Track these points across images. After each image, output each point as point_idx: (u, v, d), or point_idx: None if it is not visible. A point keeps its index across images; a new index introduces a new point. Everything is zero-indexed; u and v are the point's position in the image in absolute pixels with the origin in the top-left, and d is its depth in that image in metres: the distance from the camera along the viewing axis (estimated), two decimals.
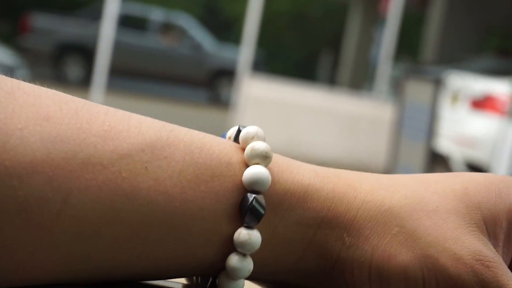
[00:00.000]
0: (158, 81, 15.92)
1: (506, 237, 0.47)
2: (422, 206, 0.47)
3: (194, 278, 0.50)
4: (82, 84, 14.04)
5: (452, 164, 7.38)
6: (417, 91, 6.80)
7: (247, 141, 0.46)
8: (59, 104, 0.42)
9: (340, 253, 0.46)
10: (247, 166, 0.45)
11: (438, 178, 0.49)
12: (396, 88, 9.91)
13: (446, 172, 0.51)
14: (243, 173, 0.45)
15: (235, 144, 0.47)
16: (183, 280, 0.50)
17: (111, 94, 12.01)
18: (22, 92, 0.42)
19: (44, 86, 0.44)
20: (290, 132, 9.57)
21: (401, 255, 0.45)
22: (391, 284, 0.45)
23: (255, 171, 0.44)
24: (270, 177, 0.45)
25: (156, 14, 16.14)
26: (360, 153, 9.64)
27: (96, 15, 14.34)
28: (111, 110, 0.45)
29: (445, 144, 7.45)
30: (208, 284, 0.47)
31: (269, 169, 0.45)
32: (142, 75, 15.76)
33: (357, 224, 0.46)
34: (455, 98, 7.54)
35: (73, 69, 15.11)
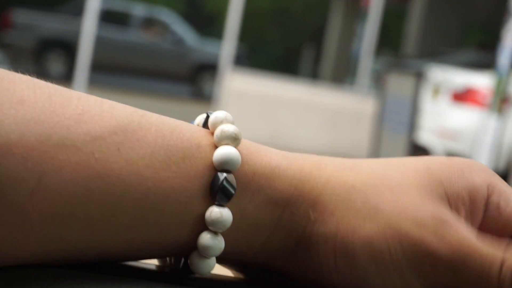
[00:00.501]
0: (140, 76, 15.87)
1: (468, 215, 0.48)
2: (384, 183, 0.48)
3: (168, 259, 0.50)
4: (64, 80, 13.97)
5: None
6: (399, 84, 6.83)
7: (216, 124, 0.47)
8: (33, 89, 0.42)
9: (305, 229, 0.47)
10: (216, 148, 0.46)
11: (401, 160, 0.50)
12: (378, 82, 9.94)
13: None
14: (213, 155, 0.45)
15: (204, 129, 0.48)
16: (156, 261, 0.50)
17: (93, 89, 11.96)
18: None
19: (18, 73, 0.44)
20: (273, 126, 9.57)
21: (365, 228, 0.46)
22: (356, 256, 0.46)
23: (225, 151, 0.45)
24: (240, 157, 0.45)
25: (138, 9, 16.09)
26: (342, 146, 9.66)
27: (77, 10, 14.28)
28: (84, 95, 0.45)
29: (426, 136, 7.48)
30: (181, 264, 0.48)
31: (238, 151, 0.46)
32: (124, 70, 15.70)
33: (322, 200, 0.47)
34: (436, 91, 7.58)
35: (55, 65, 15.04)
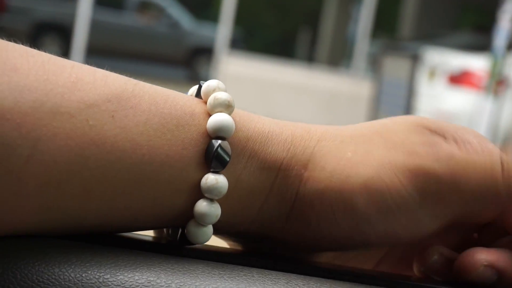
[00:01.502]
0: (135, 60, 15.83)
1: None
2: (373, 129, 0.49)
3: (165, 230, 0.50)
4: None
5: None
6: (395, 67, 6.83)
7: (209, 93, 0.47)
8: (26, 57, 0.43)
9: (298, 190, 0.47)
10: (210, 116, 0.46)
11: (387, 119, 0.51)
12: (374, 65, 9.93)
13: None
14: (207, 123, 0.46)
15: (197, 98, 0.48)
16: (152, 233, 0.50)
17: None
18: None
19: (10, 42, 0.44)
20: (269, 109, 9.57)
21: (359, 173, 0.46)
22: (354, 204, 0.46)
23: (219, 118, 0.45)
24: (233, 124, 0.46)
25: None
26: None
27: None
28: (77, 64, 0.45)
29: None
30: (178, 235, 0.48)
31: (232, 118, 0.46)
32: (119, 54, 15.66)
33: (313, 159, 0.47)
34: (432, 73, 7.57)
35: (50, 48, 14.90)
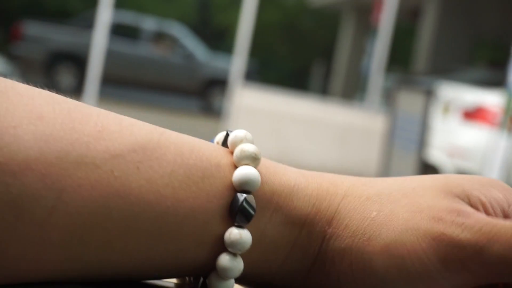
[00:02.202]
0: (150, 90, 15.90)
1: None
2: (399, 190, 0.48)
3: (187, 278, 0.50)
4: (73, 93, 14.02)
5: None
6: (409, 101, 6.81)
7: (236, 144, 0.47)
8: (52, 105, 0.43)
9: (321, 246, 0.47)
10: (236, 168, 0.46)
11: (419, 175, 0.50)
12: (388, 99, 9.93)
13: None
14: (232, 175, 0.45)
15: (223, 148, 0.48)
16: (174, 280, 0.50)
17: (103, 102, 11.98)
18: (16, 92, 0.42)
19: (37, 87, 0.44)
20: (282, 142, 9.57)
21: (381, 235, 0.45)
22: (374, 265, 0.45)
23: (245, 171, 0.45)
24: (259, 177, 0.45)
25: (149, 23, 16.13)
26: (351, 164, 9.64)
27: (88, 23, 14.33)
28: (103, 111, 0.45)
29: (436, 154, 7.46)
30: (200, 284, 0.48)
31: (258, 171, 0.46)
32: (134, 84, 15.74)
33: (338, 216, 0.47)
34: (446, 109, 7.56)
35: (65, 78, 15.09)
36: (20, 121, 0.40)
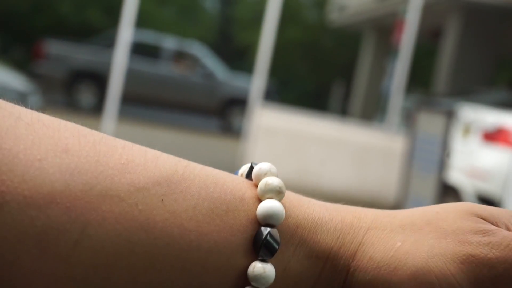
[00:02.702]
0: (170, 109, 15.95)
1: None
2: (422, 217, 0.48)
3: None
4: (94, 111, 14.09)
5: (464, 197, 7.36)
6: (429, 122, 6.79)
7: (260, 177, 0.47)
8: (78, 137, 0.43)
9: (346, 279, 0.47)
10: (260, 201, 0.46)
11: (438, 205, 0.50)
12: (408, 120, 9.90)
13: None
14: (256, 208, 0.45)
15: (248, 180, 0.48)
16: None
17: (123, 121, 12.02)
18: (42, 125, 0.42)
19: (62, 118, 0.45)
20: (301, 162, 9.55)
21: (407, 264, 0.45)
22: None
23: (270, 205, 0.45)
24: (284, 211, 0.45)
25: (169, 42, 16.20)
26: (370, 185, 9.61)
27: (109, 42, 14.42)
28: (128, 144, 0.45)
29: (456, 176, 7.42)
30: None
31: (282, 204, 0.46)
32: (154, 103, 15.79)
33: (362, 248, 0.47)
34: (467, 130, 7.53)
35: (86, 96, 15.16)
36: (45, 153, 0.40)
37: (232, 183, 0.46)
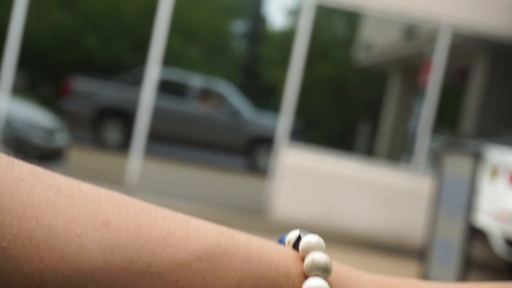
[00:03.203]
0: (196, 147, 16.01)
1: None
2: None
3: None
4: (120, 148, 14.16)
5: (491, 240, 7.29)
6: (456, 164, 6.75)
7: (308, 251, 0.46)
8: (118, 209, 0.42)
9: None
10: (306, 277, 0.45)
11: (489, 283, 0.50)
12: (435, 161, 9.85)
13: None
14: (302, 285, 0.44)
15: (294, 252, 0.46)
16: None
17: (149, 158, 12.06)
18: (82, 196, 0.42)
19: (103, 189, 0.44)
20: (326, 202, 9.52)
21: None
22: None
23: (316, 284, 0.44)
24: None
25: (196, 80, 16.29)
26: (396, 226, 9.55)
27: (136, 80, 14.52)
28: (170, 214, 0.44)
29: (484, 219, 7.36)
30: None
31: (329, 282, 0.45)
32: (180, 141, 15.85)
33: None
34: (494, 172, 7.47)
35: (112, 133, 15.25)
36: (85, 228, 0.40)
37: (277, 256, 0.45)
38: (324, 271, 0.44)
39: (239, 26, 26.11)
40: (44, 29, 20.04)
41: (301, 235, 0.47)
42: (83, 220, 0.40)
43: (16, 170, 0.42)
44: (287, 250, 0.46)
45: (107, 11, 20.12)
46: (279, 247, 0.47)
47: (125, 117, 14.97)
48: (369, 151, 19.37)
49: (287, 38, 24.52)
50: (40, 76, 22.11)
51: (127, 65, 18.95)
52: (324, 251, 0.46)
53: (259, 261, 0.44)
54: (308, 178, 9.53)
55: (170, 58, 18.06)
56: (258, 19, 25.90)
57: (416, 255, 8.85)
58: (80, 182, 0.43)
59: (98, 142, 15.04)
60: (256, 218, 9.64)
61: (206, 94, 16.22)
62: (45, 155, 9.47)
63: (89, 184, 0.44)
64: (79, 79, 15.45)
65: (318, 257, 0.45)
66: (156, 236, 0.42)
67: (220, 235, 0.45)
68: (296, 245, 0.47)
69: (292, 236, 0.48)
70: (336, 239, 9.24)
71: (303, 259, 0.46)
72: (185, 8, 20.00)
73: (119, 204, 0.43)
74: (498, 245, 7.38)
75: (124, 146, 14.29)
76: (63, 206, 0.40)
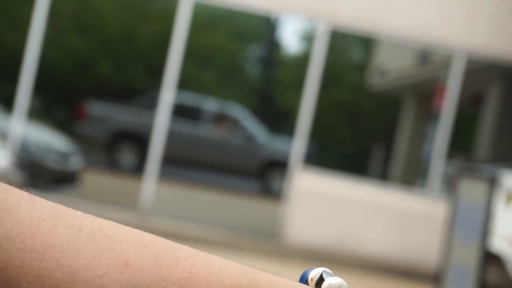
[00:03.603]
0: (210, 171, 16.02)
1: None
2: None
3: None
4: (135, 172, 14.18)
5: (506, 265, 7.25)
6: (471, 189, 6.73)
7: None
8: (139, 248, 0.42)
9: None
10: None
11: None
12: (449, 185, 9.83)
13: None
14: None
15: None
16: None
17: (163, 182, 12.06)
18: (103, 236, 0.42)
19: (125, 227, 0.44)
20: (340, 226, 9.50)
21: None
22: None
23: None
24: None
25: (210, 104, 16.33)
26: (411, 251, 9.51)
27: (151, 104, 14.56)
28: (192, 253, 0.44)
29: (499, 244, 7.33)
30: None
31: None
32: (194, 164, 15.87)
33: None
34: (509, 197, 7.45)
35: (127, 157, 15.28)
36: (106, 269, 0.40)
37: None
38: None
39: (253, 51, 26.20)
40: (60, 54, 20.17)
41: (323, 276, 0.47)
42: (104, 261, 0.40)
43: (38, 210, 0.41)
44: None
45: (122, 36, 20.25)
46: (300, 286, 0.46)
47: (139, 141, 15.00)
48: (383, 175, 19.34)
49: (301, 62, 24.57)
50: (54, 100, 22.23)
51: (141, 89, 19.03)
52: None
53: None
54: (322, 202, 9.52)
55: (184, 83, 18.13)
56: (272, 44, 25.99)
57: (431, 279, 8.81)
58: (101, 221, 0.43)
59: (112, 165, 15.06)
60: (270, 241, 9.64)
61: (220, 118, 16.26)
62: (59, 179, 9.50)
63: (110, 222, 0.44)
64: (94, 103, 15.53)
65: None
66: (177, 278, 0.41)
67: (242, 276, 0.44)
68: (318, 284, 0.47)
69: (315, 274, 0.48)
70: (350, 263, 9.22)
71: None
72: (199, 33, 20.10)
73: (140, 244, 0.42)
74: None
75: (138, 169, 14.30)
76: (84, 247, 0.40)
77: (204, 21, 20.72)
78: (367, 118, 24.63)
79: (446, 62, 10.93)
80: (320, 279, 0.46)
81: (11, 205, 0.40)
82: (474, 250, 6.32)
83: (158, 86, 10.55)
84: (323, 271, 0.46)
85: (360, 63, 24.14)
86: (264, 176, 16.00)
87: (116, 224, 0.43)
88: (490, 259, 6.92)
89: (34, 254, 0.39)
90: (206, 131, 15.78)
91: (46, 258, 0.39)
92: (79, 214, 0.43)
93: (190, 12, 10.08)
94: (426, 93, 15.71)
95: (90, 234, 0.41)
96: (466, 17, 9.85)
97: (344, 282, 0.45)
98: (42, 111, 23.44)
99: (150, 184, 9.79)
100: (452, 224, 6.93)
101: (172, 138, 13.54)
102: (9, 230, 0.39)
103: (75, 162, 9.79)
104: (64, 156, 9.58)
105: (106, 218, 0.46)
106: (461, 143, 20.61)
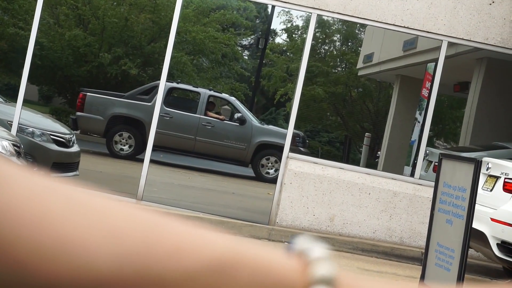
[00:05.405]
0: (203, 156, 16.14)
1: None
2: None
3: None
4: (131, 159, 14.20)
5: (489, 243, 7.44)
6: (455, 170, 6.84)
7: (314, 262, 0.45)
8: (129, 221, 0.43)
9: None
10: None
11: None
12: (435, 169, 9.95)
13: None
14: None
15: (301, 263, 0.46)
16: None
17: (159, 168, 11.92)
18: (95, 208, 0.43)
19: (116, 201, 0.45)
20: (331, 209, 9.59)
21: None
22: None
23: None
24: None
25: (204, 91, 16.47)
26: (398, 232, 9.61)
27: (146, 92, 14.56)
28: (180, 226, 0.44)
29: (482, 222, 7.51)
30: None
31: None
32: (188, 150, 15.98)
33: None
34: (491, 178, 7.62)
35: (124, 143, 15.33)
36: (97, 242, 0.41)
37: (284, 268, 0.45)
38: (329, 283, 0.44)
39: (243, 41, 26.23)
40: (61, 45, 20.30)
41: (308, 246, 0.46)
42: (95, 233, 0.41)
43: (30, 182, 0.42)
44: (294, 261, 0.46)
45: (119, 29, 20.21)
46: (286, 258, 0.46)
47: (136, 128, 15.32)
48: (371, 160, 19.39)
49: (291, 52, 24.68)
50: (54, 90, 22.55)
51: (136, 79, 19.16)
52: (331, 262, 0.45)
53: (267, 273, 0.44)
54: (312, 185, 9.55)
55: (177, 71, 18.28)
56: (263, 34, 26.00)
57: (418, 260, 8.90)
58: (94, 194, 0.43)
59: (110, 153, 15.38)
60: (263, 225, 9.76)
61: (214, 104, 16.40)
62: (60, 164, 9.65)
63: (102, 196, 0.44)
64: (93, 92, 15.74)
65: (323, 269, 0.44)
66: (165, 249, 0.41)
67: (228, 246, 0.44)
68: (303, 255, 0.46)
69: (299, 245, 0.47)
70: (339, 244, 9.28)
71: (309, 270, 0.45)
72: (192, 24, 20.12)
73: (131, 217, 0.43)
74: (495, 248, 7.52)
75: (135, 155, 14.50)
76: (76, 220, 0.41)
77: (195, 11, 20.78)
78: (355, 105, 24.66)
79: (430, 49, 11.03)
80: (304, 250, 0.47)
81: (3, 177, 0.41)
82: (458, 230, 6.42)
83: (153, 75, 10.63)
84: (307, 241, 0.47)
85: (347, 51, 24.21)
86: (257, 160, 16.20)
87: (108, 199, 0.44)
88: (474, 237, 7.08)
89: (26, 227, 0.39)
90: (199, 117, 15.97)
91: (38, 230, 0.39)
92: (72, 187, 0.43)
93: (181, 2, 10.10)
94: (413, 79, 15.78)
95: (82, 206, 0.42)
96: (449, 5, 9.89)
97: (327, 250, 0.46)
98: (42, 99, 23.72)
99: (146, 169, 9.97)
100: (436, 204, 7.03)
101: (166, 125, 13.69)
102: (1, 202, 0.40)
103: (74, 150, 9.85)
104: (64, 144, 9.64)
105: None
106: (447, 128, 20.73)
